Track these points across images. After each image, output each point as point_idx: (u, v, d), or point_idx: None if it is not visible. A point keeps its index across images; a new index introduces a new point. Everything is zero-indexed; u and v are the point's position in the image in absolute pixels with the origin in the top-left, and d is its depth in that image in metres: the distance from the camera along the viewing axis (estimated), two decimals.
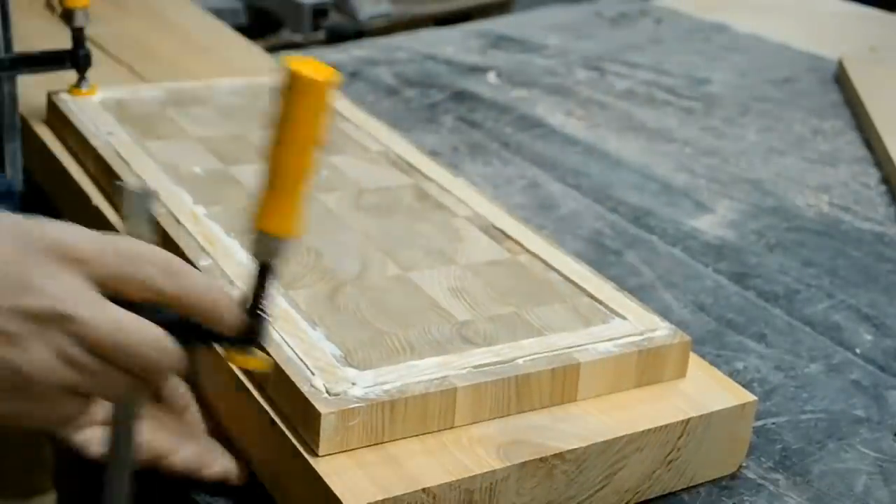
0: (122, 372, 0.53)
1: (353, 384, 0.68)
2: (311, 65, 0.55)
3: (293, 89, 0.55)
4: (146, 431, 0.66)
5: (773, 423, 0.84)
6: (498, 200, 1.00)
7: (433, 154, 1.18)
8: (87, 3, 1.08)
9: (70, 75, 1.11)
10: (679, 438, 0.73)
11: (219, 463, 0.71)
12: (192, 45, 1.44)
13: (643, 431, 0.72)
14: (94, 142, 1.01)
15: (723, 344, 0.94)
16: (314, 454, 0.66)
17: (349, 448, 0.66)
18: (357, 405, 0.66)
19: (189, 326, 0.56)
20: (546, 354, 0.73)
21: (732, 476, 0.77)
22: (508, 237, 0.89)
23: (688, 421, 0.73)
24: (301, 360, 0.69)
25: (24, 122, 1.11)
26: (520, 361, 0.72)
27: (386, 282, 0.81)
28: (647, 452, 0.72)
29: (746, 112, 1.52)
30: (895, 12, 2.05)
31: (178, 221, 0.86)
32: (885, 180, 1.32)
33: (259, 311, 0.59)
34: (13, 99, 1.09)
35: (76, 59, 1.10)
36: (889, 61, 1.73)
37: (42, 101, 1.12)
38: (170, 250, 0.59)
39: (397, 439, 0.68)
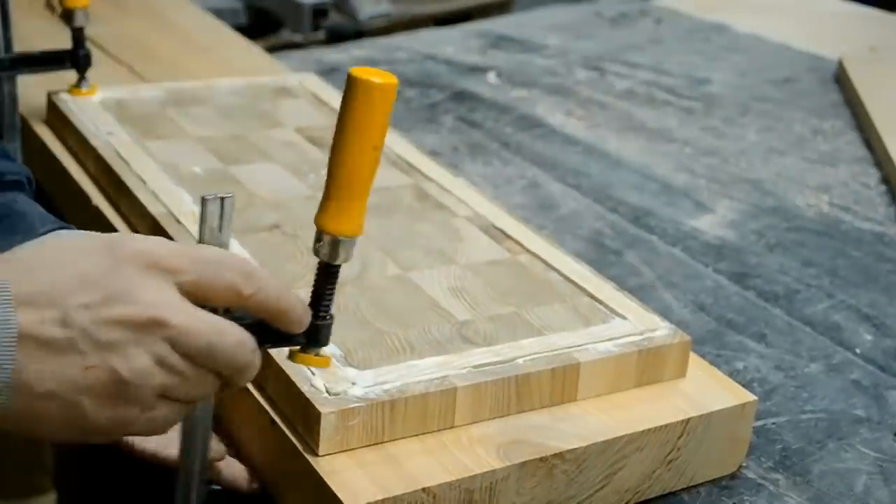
0: (213, 374, 0.55)
1: (353, 384, 0.68)
2: (372, 71, 0.58)
3: (357, 95, 0.57)
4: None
5: (773, 423, 0.84)
6: (498, 200, 1.00)
7: (433, 154, 1.18)
8: (87, 3, 1.08)
9: (70, 75, 1.11)
10: (679, 438, 0.73)
11: (227, 471, 0.71)
12: (192, 45, 1.44)
13: (643, 431, 0.72)
14: (94, 142, 1.01)
15: (723, 344, 0.94)
16: (314, 454, 0.66)
17: (349, 448, 0.66)
18: (357, 405, 0.66)
19: (262, 328, 0.57)
20: (546, 354, 0.73)
21: (732, 476, 0.77)
22: (508, 237, 0.89)
23: (688, 421, 0.73)
24: None
25: (24, 122, 1.11)
26: (520, 361, 0.72)
27: (386, 281, 0.81)
28: (647, 452, 0.72)
29: (746, 112, 1.52)
30: (895, 12, 2.05)
31: (178, 221, 0.86)
32: (885, 180, 1.32)
33: (322, 311, 0.60)
34: (13, 99, 1.08)
35: (76, 59, 1.10)
36: (889, 61, 1.73)
37: (42, 101, 1.12)
38: None
39: (397, 439, 0.68)
